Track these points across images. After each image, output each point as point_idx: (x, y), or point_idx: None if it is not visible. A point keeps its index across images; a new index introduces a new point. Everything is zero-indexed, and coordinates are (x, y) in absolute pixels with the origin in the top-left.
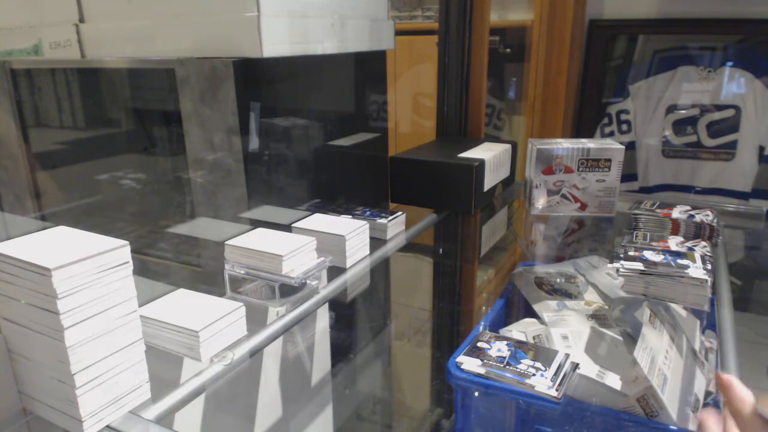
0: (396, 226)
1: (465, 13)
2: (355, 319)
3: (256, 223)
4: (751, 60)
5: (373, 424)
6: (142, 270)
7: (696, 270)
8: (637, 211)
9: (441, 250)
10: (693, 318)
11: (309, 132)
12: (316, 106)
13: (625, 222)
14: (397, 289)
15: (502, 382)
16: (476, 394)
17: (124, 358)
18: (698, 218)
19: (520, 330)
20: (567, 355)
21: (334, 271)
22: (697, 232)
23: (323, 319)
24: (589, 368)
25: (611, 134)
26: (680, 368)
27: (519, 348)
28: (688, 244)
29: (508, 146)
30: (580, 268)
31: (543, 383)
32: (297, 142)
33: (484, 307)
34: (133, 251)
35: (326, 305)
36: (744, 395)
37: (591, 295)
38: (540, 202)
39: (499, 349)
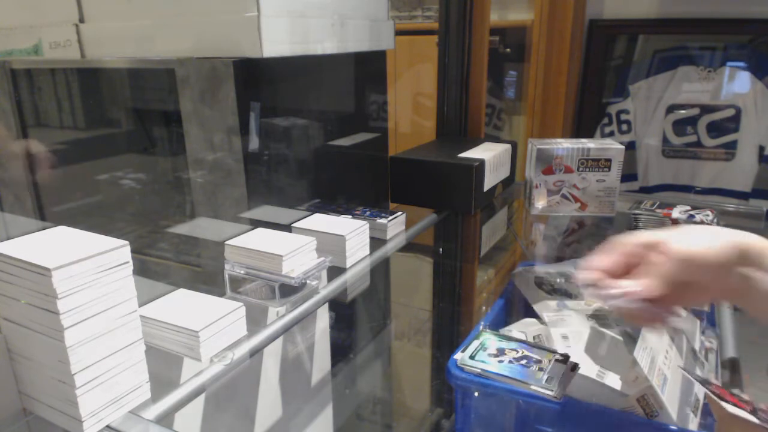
0: (396, 226)
1: (465, 13)
2: (355, 319)
3: (256, 223)
4: (751, 60)
5: (373, 424)
6: (142, 270)
7: None
8: (637, 211)
9: (441, 250)
10: (693, 318)
11: (309, 132)
12: (316, 106)
13: (625, 222)
14: (397, 289)
15: (502, 382)
16: (476, 394)
17: (124, 358)
18: (698, 218)
19: (520, 330)
20: (567, 355)
21: (334, 271)
22: None
23: (323, 319)
24: (589, 368)
25: (611, 134)
26: (680, 368)
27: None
28: None
29: (508, 146)
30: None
31: (543, 383)
32: (297, 142)
33: (484, 307)
34: (133, 251)
35: (326, 305)
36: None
37: None
38: (540, 202)
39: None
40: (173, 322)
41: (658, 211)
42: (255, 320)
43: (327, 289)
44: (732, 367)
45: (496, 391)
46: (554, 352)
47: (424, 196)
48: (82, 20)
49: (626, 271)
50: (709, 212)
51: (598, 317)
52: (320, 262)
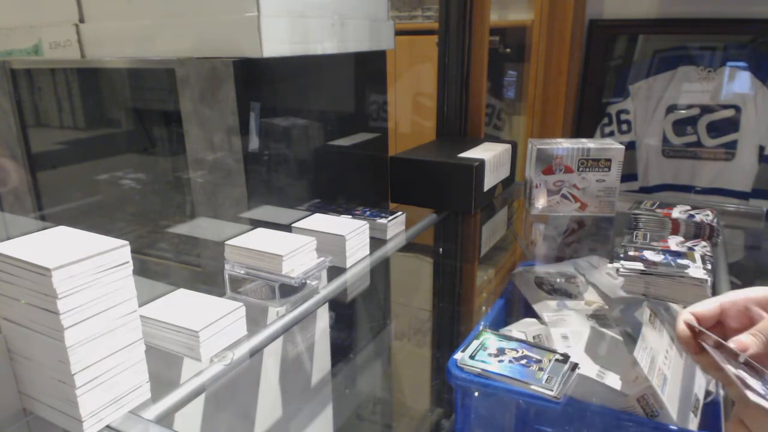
0: (396, 226)
1: (465, 13)
2: (355, 319)
3: (256, 223)
4: (751, 60)
5: (373, 424)
6: (142, 270)
7: (696, 270)
8: (637, 211)
9: (441, 250)
10: None
11: (309, 132)
12: (316, 106)
13: (625, 222)
14: (397, 289)
15: (502, 382)
16: (476, 394)
17: (124, 358)
18: (698, 218)
19: (520, 330)
20: (567, 355)
21: (334, 271)
22: (697, 232)
23: (323, 319)
24: (589, 368)
25: (611, 134)
26: (680, 368)
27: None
28: (688, 244)
29: (508, 146)
30: (580, 268)
31: (543, 383)
32: (297, 142)
33: (484, 307)
34: (133, 251)
35: (326, 305)
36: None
37: (591, 295)
38: (540, 202)
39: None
40: (173, 322)
41: (658, 211)
42: (255, 320)
43: (327, 289)
44: None
45: (496, 391)
46: (554, 352)
47: (424, 196)
48: (82, 20)
49: (720, 324)
50: (709, 212)
51: (598, 317)
52: (320, 262)
